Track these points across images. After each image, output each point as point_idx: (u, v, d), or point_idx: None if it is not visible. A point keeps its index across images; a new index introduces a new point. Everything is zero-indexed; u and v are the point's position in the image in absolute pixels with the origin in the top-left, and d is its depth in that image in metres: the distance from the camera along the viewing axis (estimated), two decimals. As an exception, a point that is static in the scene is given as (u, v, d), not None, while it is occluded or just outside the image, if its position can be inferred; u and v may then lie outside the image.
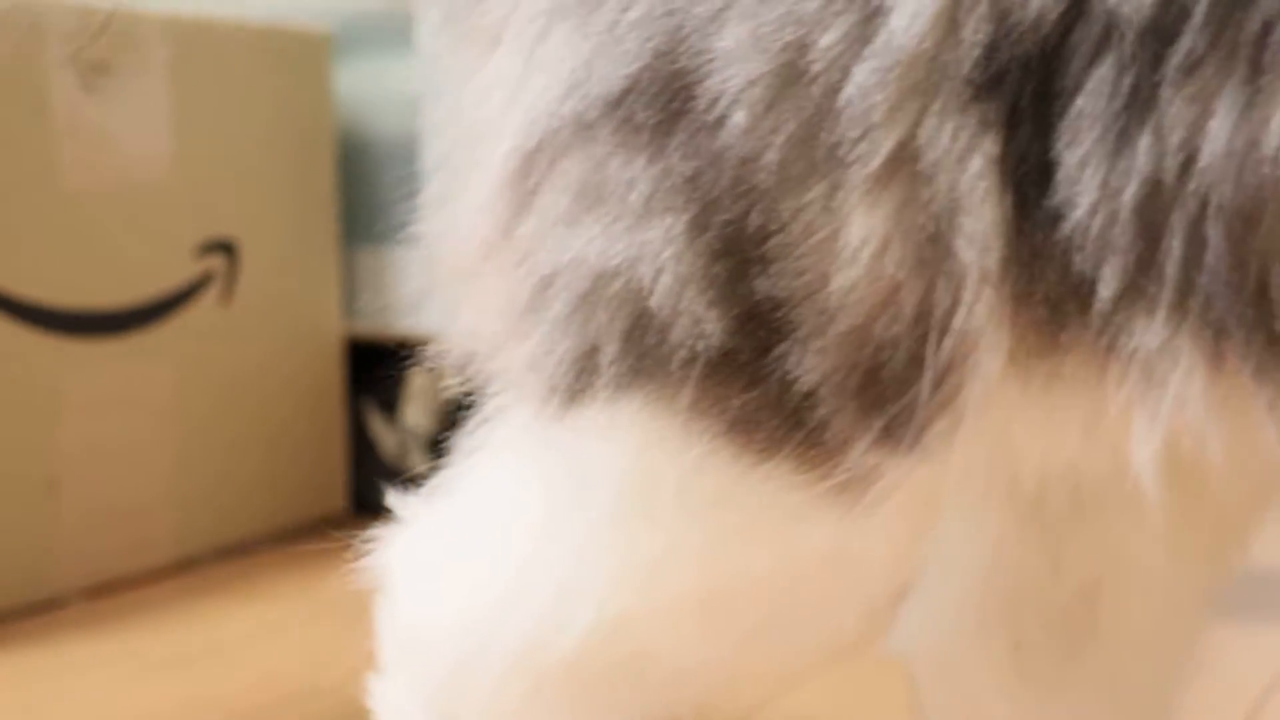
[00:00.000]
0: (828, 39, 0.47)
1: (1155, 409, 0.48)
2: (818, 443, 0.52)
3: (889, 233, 0.48)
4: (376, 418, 1.74)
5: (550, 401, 0.57)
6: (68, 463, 1.38)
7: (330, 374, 1.69)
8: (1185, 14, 0.45)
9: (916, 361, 0.49)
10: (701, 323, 0.51)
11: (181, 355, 1.49)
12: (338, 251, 1.69)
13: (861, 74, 0.47)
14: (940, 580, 0.72)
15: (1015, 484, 0.62)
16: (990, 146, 0.47)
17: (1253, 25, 0.44)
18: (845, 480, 0.52)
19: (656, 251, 0.51)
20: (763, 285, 0.50)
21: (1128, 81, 0.46)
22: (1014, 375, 0.51)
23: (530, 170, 0.55)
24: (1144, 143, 0.45)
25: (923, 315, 0.49)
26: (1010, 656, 0.71)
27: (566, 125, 0.53)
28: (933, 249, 0.48)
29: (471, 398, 0.68)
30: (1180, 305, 0.46)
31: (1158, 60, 0.45)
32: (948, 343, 0.49)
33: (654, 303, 0.52)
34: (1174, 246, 0.45)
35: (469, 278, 0.61)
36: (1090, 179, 0.46)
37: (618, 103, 0.51)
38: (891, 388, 0.50)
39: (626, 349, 0.53)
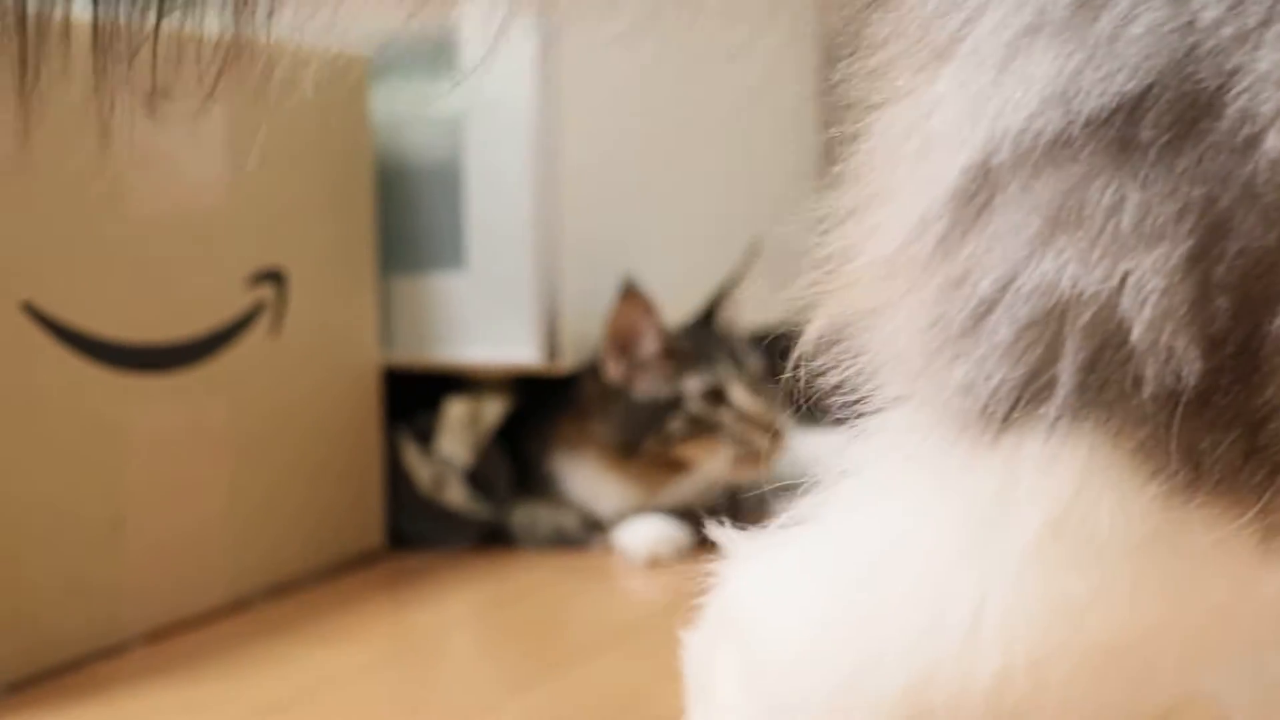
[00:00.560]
0: None
1: None
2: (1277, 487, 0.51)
3: None
4: (411, 449, 1.70)
5: (980, 427, 0.54)
6: (132, 501, 1.32)
7: (368, 405, 1.64)
8: None
9: None
10: (1179, 359, 0.49)
11: (234, 388, 1.43)
12: (375, 279, 1.64)
13: None
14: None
15: None
16: None
17: None
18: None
19: (1142, 281, 0.49)
20: (1273, 327, 0.48)
21: None
22: None
23: (984, 187, 0.52)
24: None
25: None
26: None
27: (1041, 142, 0.50)
28: None
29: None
30: None
31: None
32: None
33: (1132, 335, 0.50)
34: None
35: (877, 296, 0.58)
36: None
37: (1108, 121, 0.49)
38: None
39: (1086, 380, 0.51)
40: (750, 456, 1.63)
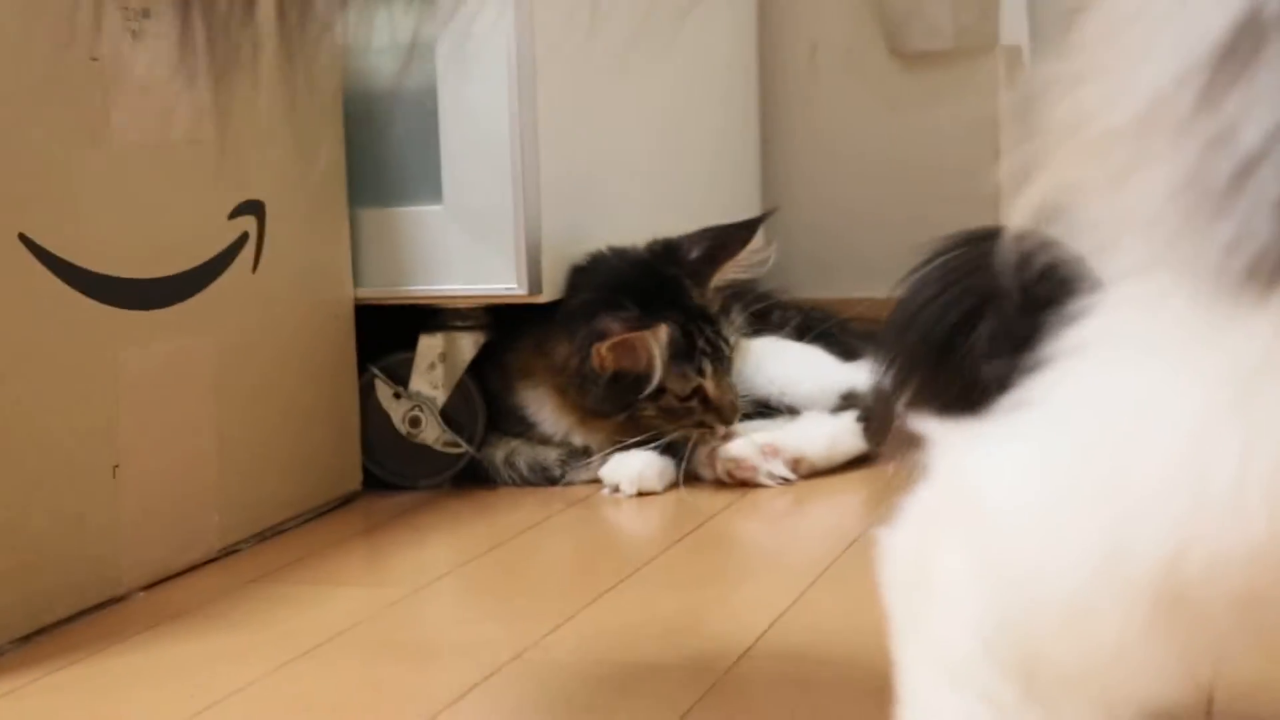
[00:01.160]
0: None
1: None
2: None
3: None
4: (384, 388, 1.65)
5: (1246, 284, 0.52)
6: (127, 445, 1.26)
7: (345, 343, 1.59)
8: None
9: None
10: None
11: (220, 326, 1.37)
12: (348, 211, 1.59)
13: None
14: None
15: None
16: None
17: None
18: None
19: None
20: None
21: None
22: None
23: (1251, 39, 0.50)
24: None
25: None
26: None
27: None
28: None
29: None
30: None
31: None
32: None
33: None
34: None
35: (1116, 161, 0.56)
36: None
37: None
38: None
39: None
40: (712, 432, 1.62)
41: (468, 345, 1.64)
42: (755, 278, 1.71)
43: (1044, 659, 0.61)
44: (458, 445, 1.64)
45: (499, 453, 1.66)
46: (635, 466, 1.59)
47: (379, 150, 1.61)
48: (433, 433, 1.64)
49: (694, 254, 1.64)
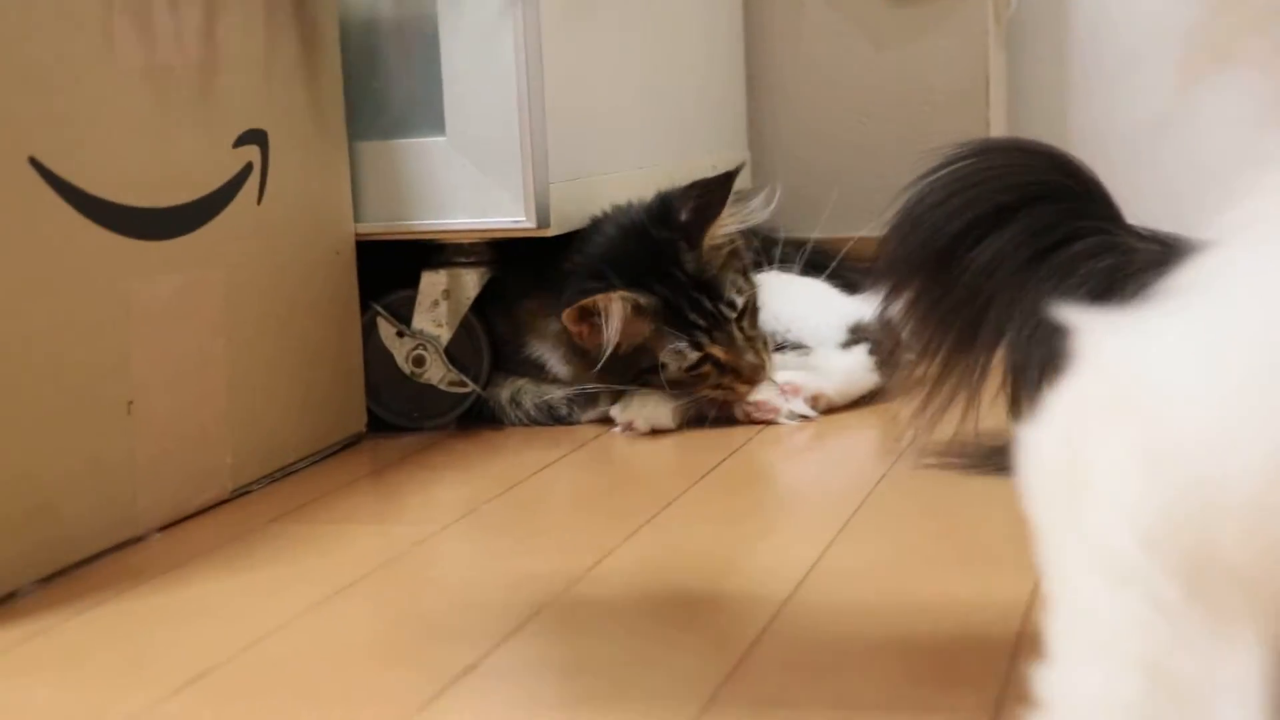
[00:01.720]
0: None
1: None
2: None
3: None
4: (387, 327, 1.60)
5: None
6: (140, 381, 1.21)
7: (348, 280, 1.54)
8: None
9: None
10: None
11: (228, 258, 1.32)
12: (347, 144, 1.53)
13: None
14: None
15: None
16: None
17: None
18: None
19: None
20: None
21: None
22: None
23: None
24: None
25: None
26: None
27: None
28: None
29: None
30: None
31: None
32: None
33: None
34: None
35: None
36: None
37: None
38: None
39: None
40: (734, 393, 1.56)
41: (471, 282, 1.59)
42: (756, 225, 1.65)
43: (1213, 558, 0.58)
44: (463, 384, 1.59)
45: (504, 392, 1.61)
46: (649, 404, 1.55)
47: (378, 81, 1.55)
48: (437, 372, 1.60)
49: (684, 215, 1.56)
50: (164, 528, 1.25)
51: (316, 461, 1.47)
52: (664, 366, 1.52)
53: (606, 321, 1.49)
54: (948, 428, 1.29)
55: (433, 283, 1.58)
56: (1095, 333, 0.62)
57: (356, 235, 1.54)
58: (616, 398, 1.58)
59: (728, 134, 2.11)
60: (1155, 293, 0.61)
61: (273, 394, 1.39)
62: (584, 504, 1.35)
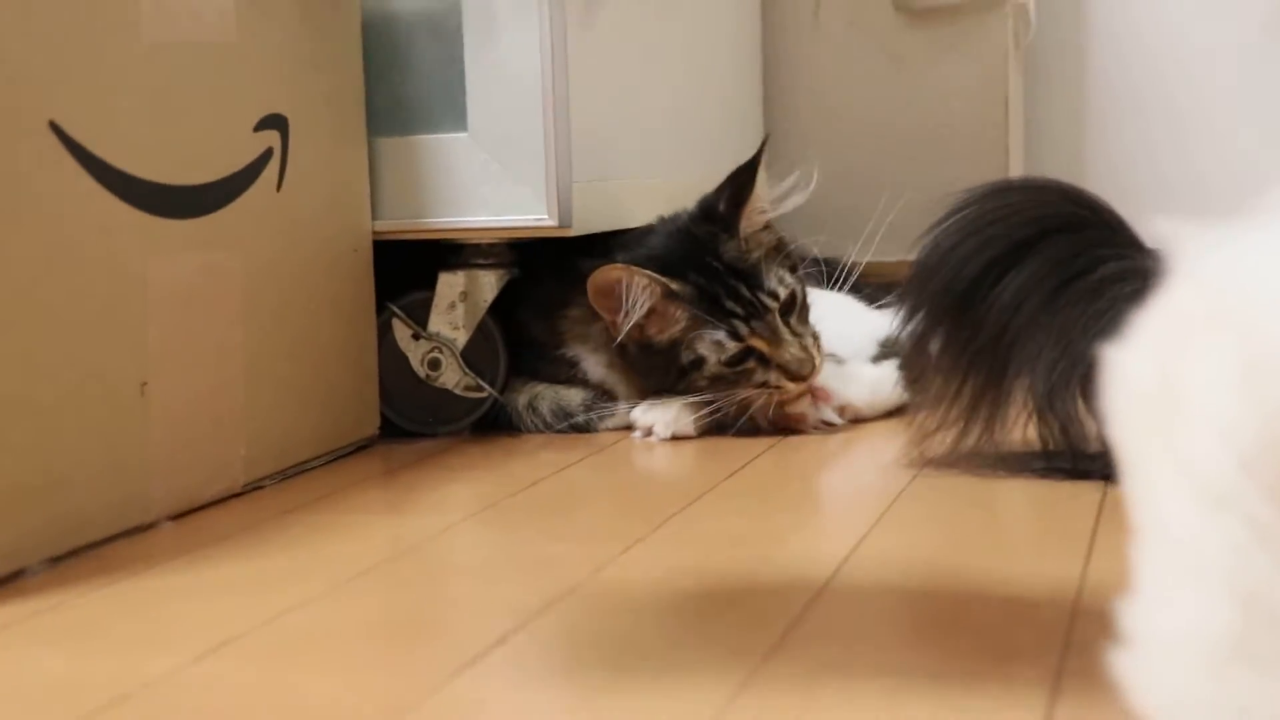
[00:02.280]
0: None
1: None
2: None
3: None
4: (402, 329, 1.57)
5: None
6: (155, 362, 1.17)
7: (365, 276, 1.51)
8: None
9: None
10: None
11: (246, 242, 1.29)
12: (366, 138, 1.50)
13: None
14: None
15: None
16: None
17: None
18: None
19: None
20: None
21: None
22: None
23: None
24: None
25: None
26: None
27: None
28: None
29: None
30: None
31: None
32: None
33: None
34: None
35: None
36: None
37: None
38: None
39: None
40: (781, 391, 1.50)
41: (490, 284, 1.56)
42: (796, 207, 1.62)
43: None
44: (479, 389, 1.56)
45: (521, 398, 1.58)
46: (670, 410, 1.51)
47: (399, 75, 1.53)
48: (453, 376, 1.56)
49: (721, 206, 1.54)
50: (175, 517, 1.21)
51: (329, 461, 1.43)
52: (704, 360, 1.49)
53: (627, 296, 1.45)
54: (974, 441, 1.27)
55: (450, 284, 1.55)
56: (1191, 250, 0.59)
57: (375, 233, 1.51)
58: (635, 405, 1.54)
59: (747, 152, 2.08)
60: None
61: (288, 389, 1.36)
62: (609, 498, 1.31)
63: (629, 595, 0.97)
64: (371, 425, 1.52)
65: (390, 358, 1.55)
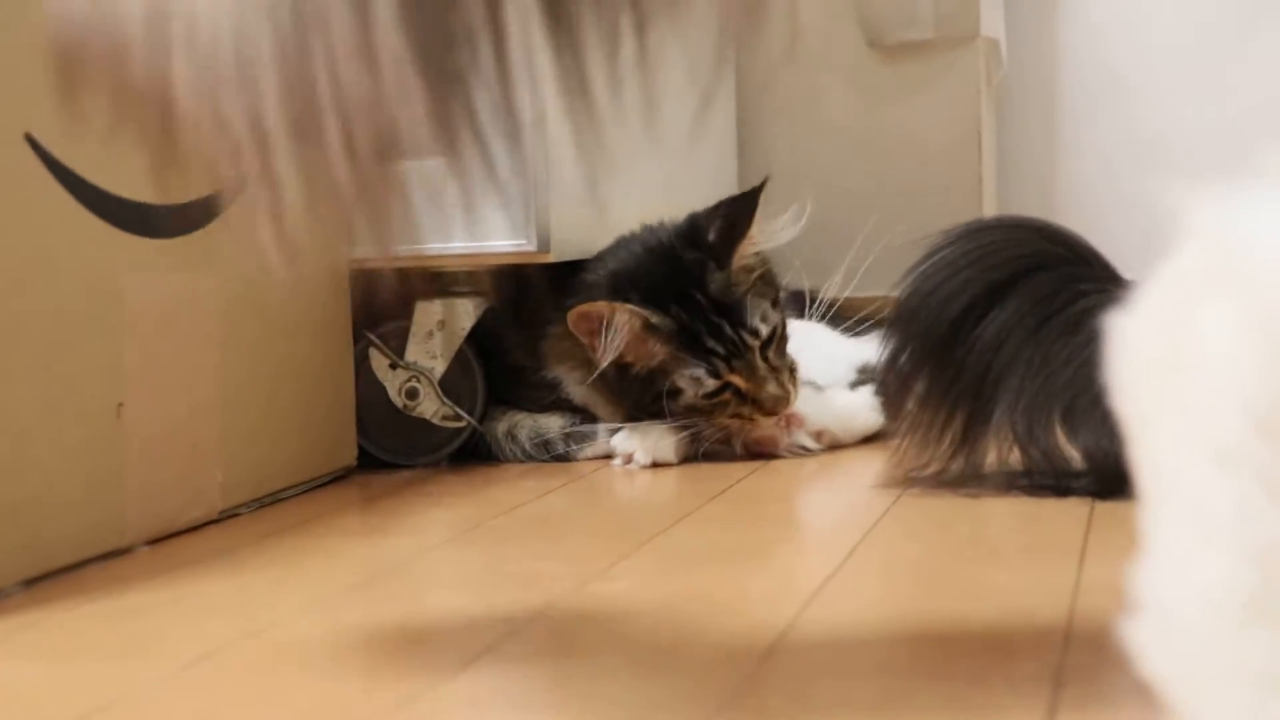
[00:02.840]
0: None
1: None
2: None
3: None
4: (379, 359, 1.55)
5: None
6: (131, 383, 1.16)
7: (341, 306, 1.49)
8: None
9: None
10: None
11: (223, 269, 1.27)
12: (342, 167, 1.49)
13: None
14: None
15: None
16: None
17: None
18: None
19: None
20: None
21: None
22: None
23: None
24: None
25: None
26: None
27: None
28: None
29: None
30: None
31: None
32: None
33: None
34: None
35: None
36: None
37: None
38: None
39: None
40: (753, 424, 1.50)
41: (467, 312, 1.55)
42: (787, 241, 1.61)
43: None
44: (458, 418, 1.55)
45: (501, 426, 1.56)
46: (650, 436, 1.50)
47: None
48: (431, 405, 1.55)
49: (711, 235, 1.53)
50: (152, 542, 1.19)
51: (306, 491, 1.41)
52: (681, 392, 1.48)
53: (607, 332, 1.44)
54: (957, 469, 1.27)
55: (427, 313, 1.54)
56: (1205, 207, 0.58)
57: (351, 261, 1.50)
58: (614, 433, 1.53)
59: (723, 190, 2.08)
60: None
61: (265, 416, 1.34)
62: (592, 520, 1.30)
63: (616, 605, 0.96)
64: (349, 455, 1.50)
65: (367, 387, 1.54)
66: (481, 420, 1.56)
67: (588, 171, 1.55)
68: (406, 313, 1.54)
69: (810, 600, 0.93)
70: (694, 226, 1.54)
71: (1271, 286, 0.55)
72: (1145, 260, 0.60)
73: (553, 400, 1.56)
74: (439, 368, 1.54)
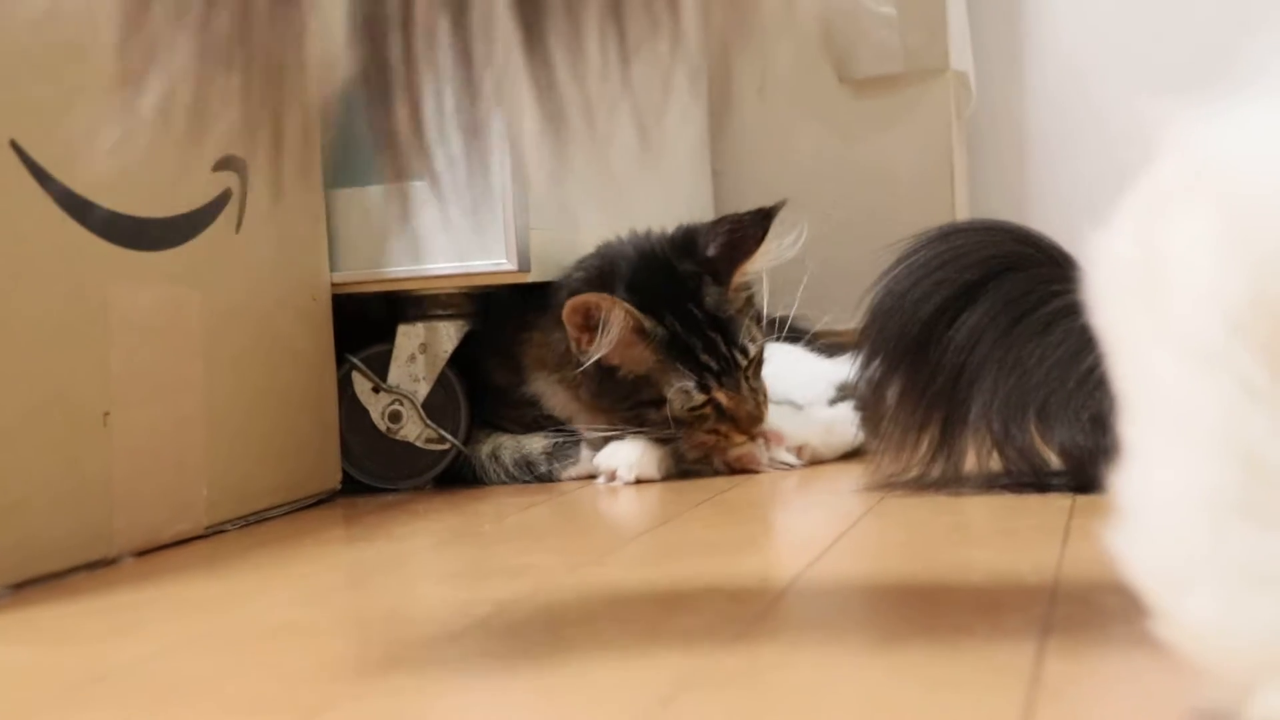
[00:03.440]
0: None
1: None
2: None
3: None
4: (362, 382, 1.56)
5: None
6: (117, 392, 1.16)
7: (324, 328, 1.50)
8: None
9: None
10: None
11: (206, 280, 1.29)
12: (322, 185, 1.51)
13: None
14: None
15: None
16: None
17: None
18: None
19: None
20: None
21: None
22: None
23: None
24: None
25: None
26: None
27: None
28: None
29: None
30: None
31: None
32: None
33: None
34: None
35: None
36: None
37: None
38: None
39: None
40: (728, 440, 1.51)
41: (449, 335, 1.56)
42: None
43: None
44: (441, 441, 1.55)
45: (484, 448, 1.57)
46: (633, 453, 1.50)
47: (353, 127, 1.53)
48: (414, 428, 1.55)
49: (711, 250, 1.53)
50: (138, 555, 1.19)
51: (290, 512, 1.41)
52: (666, 403, 1.48)
53: (602, 328, 1.45)
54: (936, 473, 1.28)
55: (409, 336, 1.55)
56: (1180, 121, 0.60)
57: (334, 285, 1.51)
58: (597, 447, 1.54)
59: (696, 219, 2.10)
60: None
61: (249, 435, 1.35)
62: (580, 524, 1.30)
63: (612, 584, 0.96)
64: (333, 478, 1.50)
65: (350, 411, 1.54)
66: (465, 443, 1.56)
67: (564, 193, 1.57)
68: (388, 336, 1.55)
69: (798, 575, 0.93)
70: (688, 238, 1.54)
71: (1239, 192, 0.56)
72: (1155, 108, 0.61)
73: (534, 418, 1.56)
74: (422, 391, 1.55)
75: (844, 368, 1.62)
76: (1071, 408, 1.22)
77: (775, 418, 1.56)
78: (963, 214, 2.23)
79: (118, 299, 1.16)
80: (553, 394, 1.55)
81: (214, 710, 0.70)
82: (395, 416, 1.55)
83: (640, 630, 0.82)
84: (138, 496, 1.18)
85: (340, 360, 1.53)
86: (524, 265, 1.49)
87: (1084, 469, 1.20)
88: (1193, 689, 0.55)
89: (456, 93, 0.73)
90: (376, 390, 1.55)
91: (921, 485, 1.28)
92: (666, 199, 1.98)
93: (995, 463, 1.27)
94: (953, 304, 1.29)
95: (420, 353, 1.55)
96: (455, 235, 1.50)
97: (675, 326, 1.48)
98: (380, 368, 1.55)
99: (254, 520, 1.35)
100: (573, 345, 1.48)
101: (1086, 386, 1.21)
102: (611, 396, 1.50)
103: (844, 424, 1.58)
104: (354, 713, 0.68)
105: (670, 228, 1.56)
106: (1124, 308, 0.60)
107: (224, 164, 1.32)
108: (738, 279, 1.52)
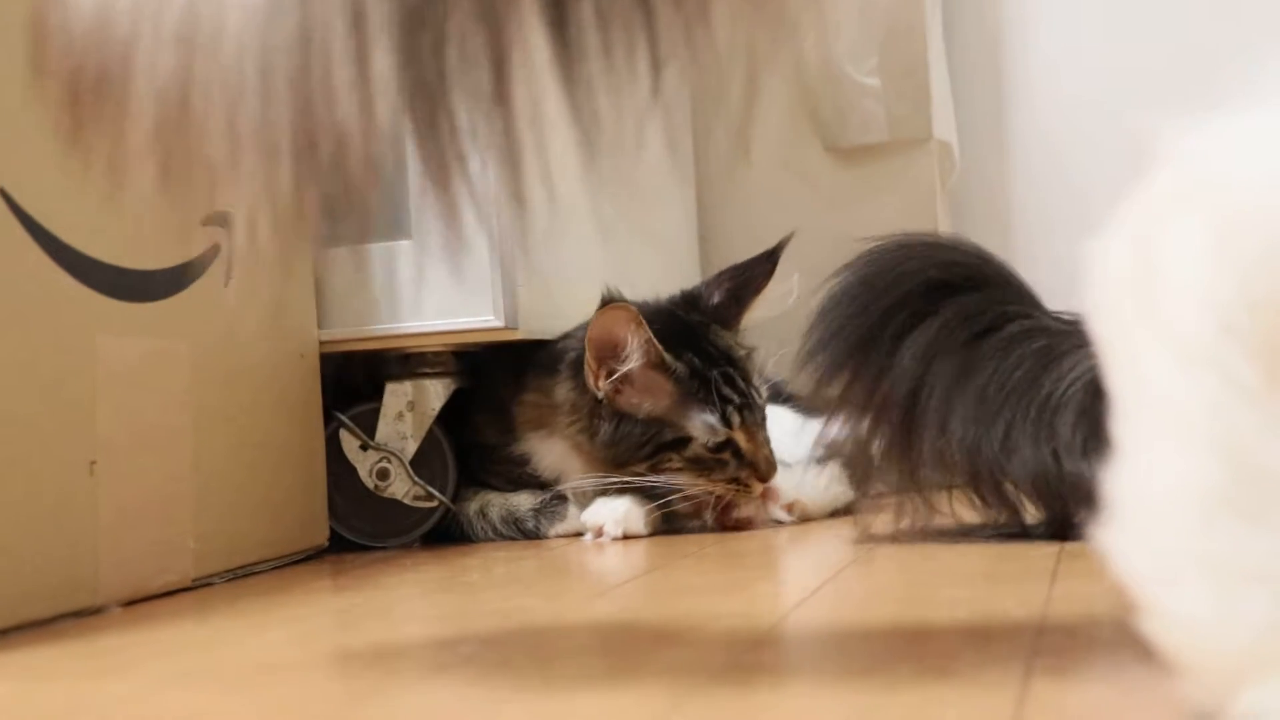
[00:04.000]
0: None
1: None
2: None
3: None
4: (350, 440, 1.56)
5: None
6: (105, 443, 1.16)
7: (311, 387, 1.50)
8: None
9: None
10: None
11: (195, 336, 1.29)
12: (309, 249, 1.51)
13: None
14: None
15: None
16: None
17: None
18: None
19: None
20: None
21: None
22: None
23: None
24: None
25: None
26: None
27: None
28: None
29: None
30: None
31: None
32: None
33: None
34: None
35: None
36: None
37: None
38: None
39: None
40: (748, 490, 1.51)
41: (437, 393, 1.56)
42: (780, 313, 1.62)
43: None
44: (429, 498, 1.55)
45: (472, 505, 1.57)
46: (620, 509, 1.50)
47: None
48: (402, 486, 1.55)
49: (715, 299, 1.56)
50: (125, 605, 1.18)
51: (277, 567, 1.41)
52: (690, 441, 1.48)
53: (627, 347, 1.45)
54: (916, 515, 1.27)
55: (397, 394, 1.55)
56: (1177, 130, 0.61)
57: (322, 342, 1.51)
58: (586, 506, 1.53)
59: (684, 282, 2.11)
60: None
61: (236, 489, 1.34)
62: (568, 573, 1.30)
63: (598, 622, 0.96)
64: (321, 535, 1.50)
65: (338, 468, 1.54)
66: (453, 500, 1.56)
67: (552, 252, 1.58)
68: (376, 394, 1.55)
69: (788, 613, 0.93)
70: (690, 296, 1.58)
71: (1232, 197, 0.57)
72: (1149, 122, 0.62)
73: (521, 475, 1.56)
74: (410, 448, 1.55)
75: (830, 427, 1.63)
76: (1038, 433, 1.20)
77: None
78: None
79: (106, 349, 1.17)
80: (545, 452, 1.55)
81: (200, 735, 0.70)
82: (383, 474, 1.55)
83: (629, 663, 0.82)
84: (124, 547, 1.18)
85: (328, 418, 1.53)
86: (512, 322, 1.50)
87: (1054, 498, 1.19)
88: (1181, 705, 0.55)
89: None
90: (364, 448, 1.55)
91: (905, 535, 1.28)
92: (654, 264, 1.99)
93: (975, 515, 1.27)
94: (904, 308, 1.28)
95: (408, 410, 1.55)
96: (443, 292, 1.50)
97: (694, 362, 1.49)
98: (368, 425, 1.55)
99: (241, 574, 1.34)
100: (589, 379, 1.48)
101: (1046, 414, 1.20)
102: (628, 443, 1.49)
103: (833, 482, 1.58)
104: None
105: (663, 295, 1.58)
106: (1119, 307, 0.61)
107: (214, 219, 1.32)
108: (745, 319, 1.55)
